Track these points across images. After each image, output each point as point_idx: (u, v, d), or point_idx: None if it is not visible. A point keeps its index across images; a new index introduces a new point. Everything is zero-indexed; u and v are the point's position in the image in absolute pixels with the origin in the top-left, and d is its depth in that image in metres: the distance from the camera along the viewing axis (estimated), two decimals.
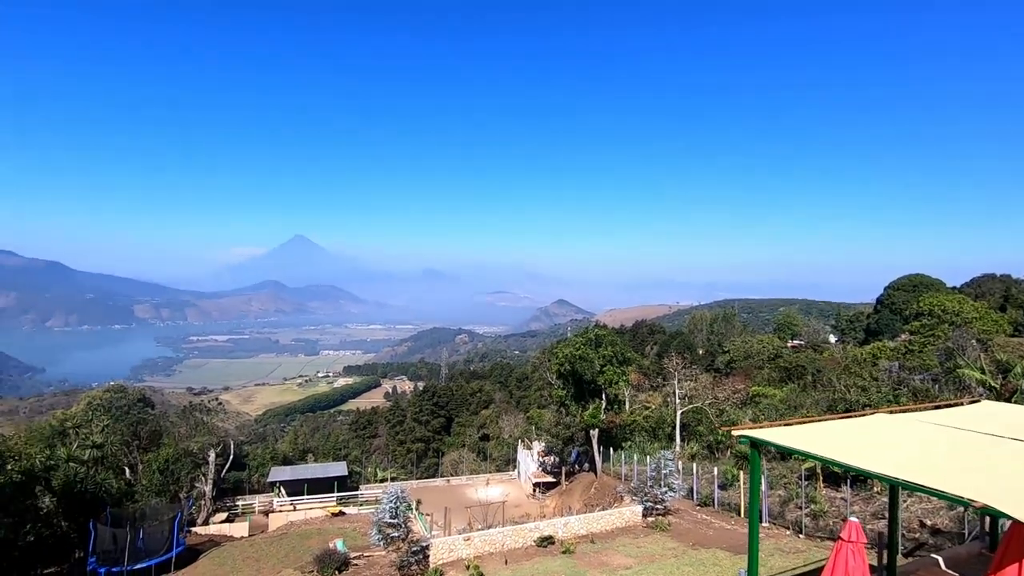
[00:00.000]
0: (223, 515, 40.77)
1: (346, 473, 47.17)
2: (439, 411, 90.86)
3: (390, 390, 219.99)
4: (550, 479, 43.85)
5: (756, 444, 7.93)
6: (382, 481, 54.00)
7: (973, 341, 41.98)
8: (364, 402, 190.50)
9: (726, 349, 77.69)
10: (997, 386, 21.90)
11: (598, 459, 39.37)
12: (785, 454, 26.35)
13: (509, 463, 55.68)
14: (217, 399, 57.82)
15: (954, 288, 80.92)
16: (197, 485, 40.42)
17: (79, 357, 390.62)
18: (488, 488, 43.98)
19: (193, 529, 36.66)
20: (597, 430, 38.79)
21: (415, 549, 22.03)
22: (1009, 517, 5.02)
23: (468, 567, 20.50)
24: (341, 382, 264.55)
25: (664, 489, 26.50)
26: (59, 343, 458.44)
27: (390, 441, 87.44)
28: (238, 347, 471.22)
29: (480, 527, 25.03)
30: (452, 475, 55.01)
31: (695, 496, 29.24)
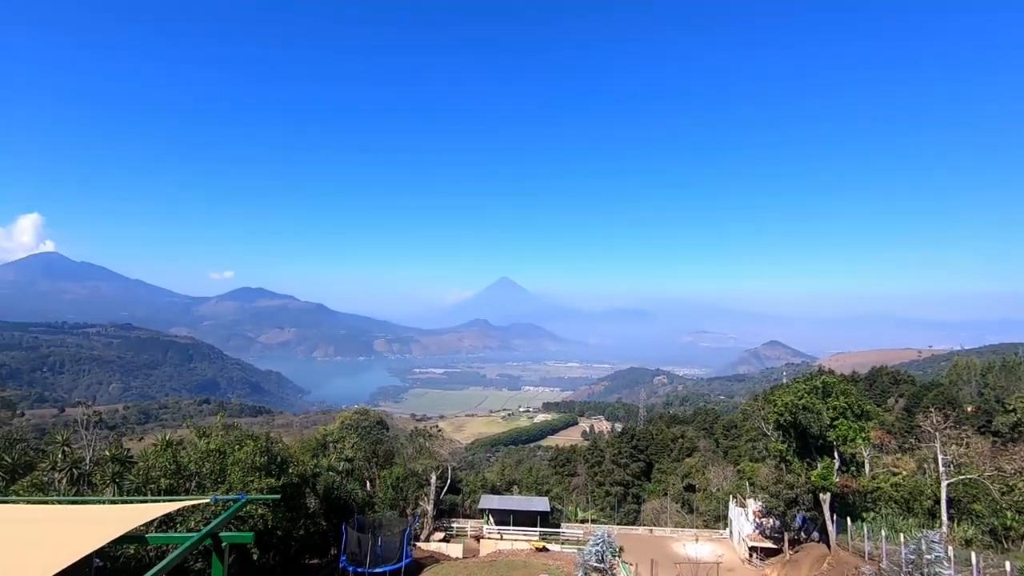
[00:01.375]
0: (441, 534, 44.62)
1: (548, 509, 48.08)
2: (638, 455, 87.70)
3: (587, 429, 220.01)
4: (770, 545, 38.84)
5: None
6: (582, 522, 53.73)
7: None
8: (562, 439, 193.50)
9: (1011, 407, 61.05)
10: None
11: (831, 529, 33.72)
12: None
13: (719, 520, 50.96)
14: (436, 426, 64.32)
15: None
16: (421, 504, 45.09)
17: (334, 383, 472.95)
18: (697, 545, 40.67)
19: (417, 544, 40.82)
20: (829, 494, 33.41)
21: None
22: None
23: None
24: (540, 418, 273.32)
25: None
26: (321, 370, 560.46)
27: (589, 481, 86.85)
28: (451, 379, 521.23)
29: None
30: (654, 525, 52.28)
31: None
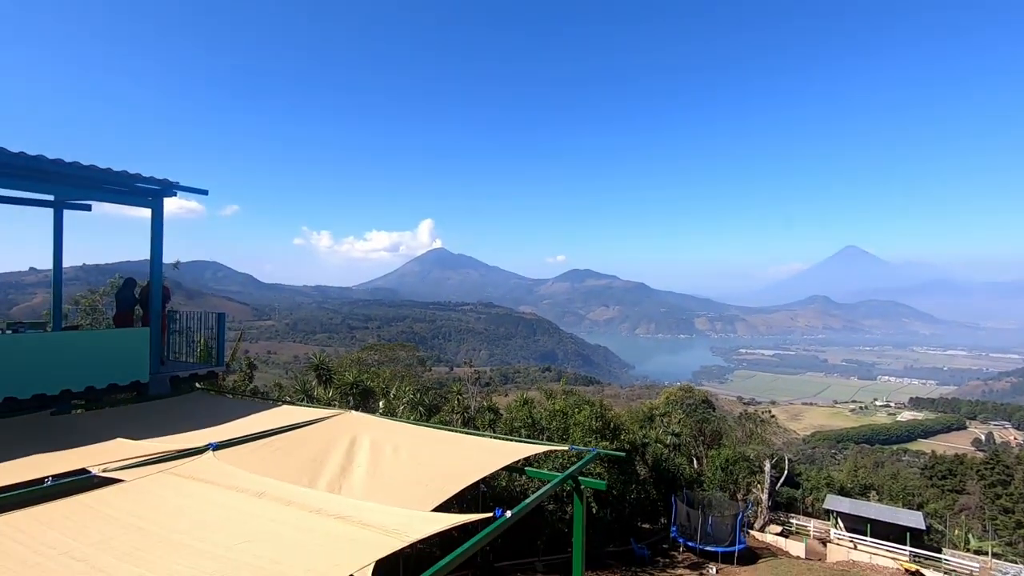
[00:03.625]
0: (777, 528, 41.20)
1: (923, 527, 39.12)
2: None
3: (982, 437, 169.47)
4: None
5: None
6: (977, 552, 41.84)
7: None
8: (940, 444, 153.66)
9: None
10: None
11: None
12: None
13: None
14: (769, 412, 59.38)
15: None
16: (753, 491, 42.49)
17: (656, 359, 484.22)
18: None
19: (750, 531, 38.71)
20: None
21: None
22: None
23: None
24: (906, 415, 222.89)
25: None
26: (642, 346, 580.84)
27: (987, 504, 66.87)
28: (783, 362, 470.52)
29: None
30: None
31: None
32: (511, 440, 9.02)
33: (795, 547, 37.63)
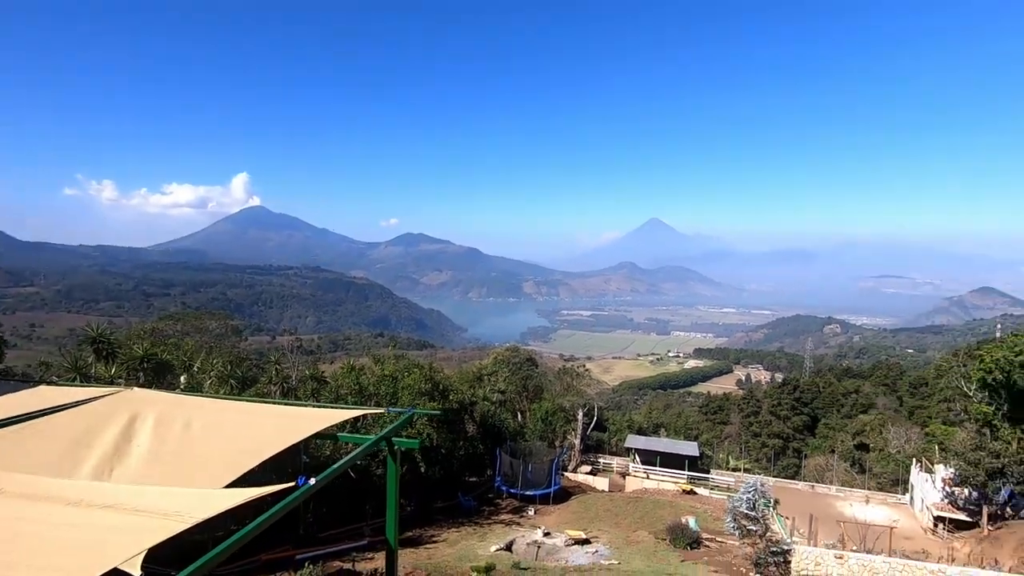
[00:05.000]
0: (588, 468, 46.45)
1: (697, 454, 47.26)
2: (801, 408, 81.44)
3: (743, 378, 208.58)
4: (962, 517, 34.11)
5: None
6: (734, 470, 52.01)
7: None
8: (714, 386, 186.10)
9: None
10: None
11: None
12: None
13: (896, 484, 45.90)
14: (584, 366, 65.75)
15: None
16: (568, 437, 47.12)
17: (487, 321, 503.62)
18: (867, 507, 37.28)
19: (565, 473, 43.05)
20: None
21: (774, 550, 20.58)
22: None
23: None
24: (691, 363, 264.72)
25: None
26: (475, 310, 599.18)
27: (743, 431, 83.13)
28: (598, 322, 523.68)
29: (855, 548, 21.57)
30: (816, 482, 48.72)
31: None
32: (327, 407, 8.68)
33: (601, 482, 42.83)
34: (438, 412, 15.40)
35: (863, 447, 59.84)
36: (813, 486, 45.60)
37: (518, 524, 30.74)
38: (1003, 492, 34.24)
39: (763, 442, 77.58)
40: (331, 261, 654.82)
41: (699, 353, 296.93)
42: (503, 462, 35.93)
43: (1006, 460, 31.52)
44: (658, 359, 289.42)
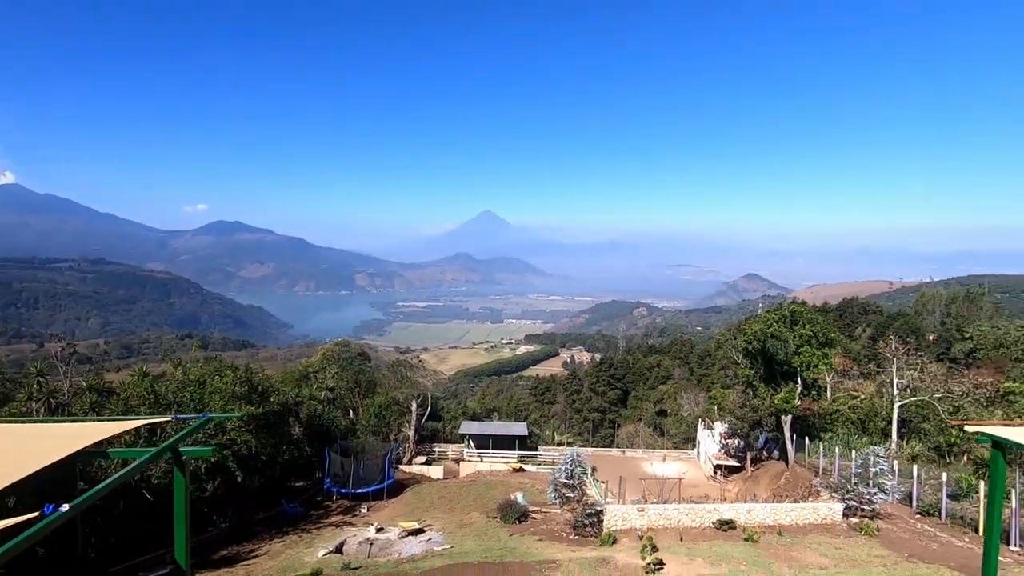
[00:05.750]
0: (423, 458, 46.56)
1: (526, 433, 50.17)
2: (615, 383, 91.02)
3: (568, 359, 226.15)
4: (733, 463, 41.36)
5: (1000, 445, 6.52)
6: (559, 444, 56.32)
7: None
8: (543, 369, 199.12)
9: (968, 335, 64.09)
10: None
11: (790, 448, 35.92)
12: None
13: (687, 442, 53.78)
14: (418, 358, 65.56)
15: None
16: (403, 430, 46.68)
17: (317, 317, 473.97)
18: (664, 464, 43.15)
19: (399, 466, 42.61)
20: (790, 416, 35.32)
21: (589, 512, 22.74)
22: None
23: (641, 537, 20.53)
24: (523, 349, 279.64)
25: (873, 490, 23.27)
26: (303, 305, 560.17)
27: (567, 408, 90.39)
28: (434, 313, 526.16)
29: (655, 501, 24.80)
30: (627, 447, 55.03)
31: (914, 503, 25.14)
32: (93, 421, 7.35)
33: (436, 471, 43.25)
34: (240, 416, 13.91)
35: (663, 413, 68.98)
36: (624, 451, 51.37)
37: (350, 524, 29.66)
38: (761, 439, 42.18)
39: (584, 416, 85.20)
40: (120, 252, 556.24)
41: (530, 339, 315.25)
42: (333, 462, 34.30)
43: (762, 413, 38.80)
44: (492, 347, 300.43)
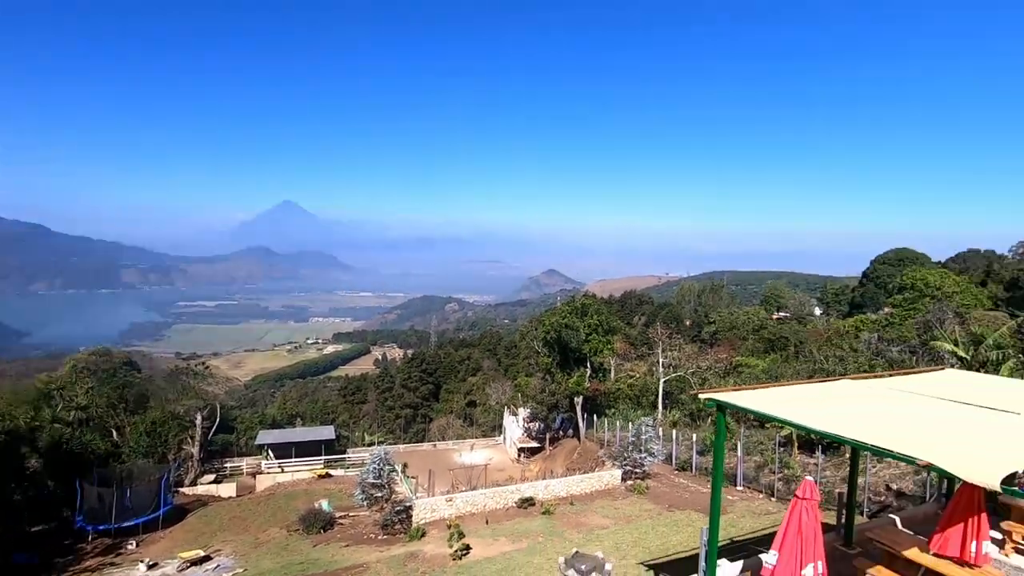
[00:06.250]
0: (211, 476, 41.29)
1: (333, 437, 47.79)
2: (427, 378, 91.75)
3: (379, 357, 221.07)
4: (535, 444, 44.71)
5: (722, 407, 8.10)
6: (370, 445, 54.76)
7: (951, 314, 42.77)
8: (353, 369, 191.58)
9: (712, 320, 78.62)
10: (968, 357, 22.44)
11: (582, 426, 40.12)
12: (763, 421, 27.02)
13: (495, 429, 56.59)
14: (204, 364, 57.87)
15: (938, 263, 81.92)
16: (184, 447, 40.79)
17: (66, 321, 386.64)
18: (473, 453, 44.81)
19: (181, 489, 37.15)
20: (581, 397, 39.42)
21: (398, 509, 22.55)
22: (949, 475, 5.21)
23: (449, 526, 21.04)
24: (331, 349, 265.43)
25: (644, 454, 27.14)
26: (45, 307, 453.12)
27: (379, 407, 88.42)
28: (226, 313, 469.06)
29: (463, 489, 25.60)
30: (439, 440, 55.89)
31: (674, 461, 30.01)
32: None
33: (228, 489, 38.69)
34: None
35: (472, 404, 71.61)
36: (435, 445, 52.04)
37: (113, 565, 24.99)
38: (558, 420, 46.34)
39: (397, 414, 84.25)
40: None
41: (338, 338, 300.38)
42: (88, 495, 28.47)
43: (559, 396, 42.68)
44: (296, 347, 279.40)
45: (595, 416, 40.98)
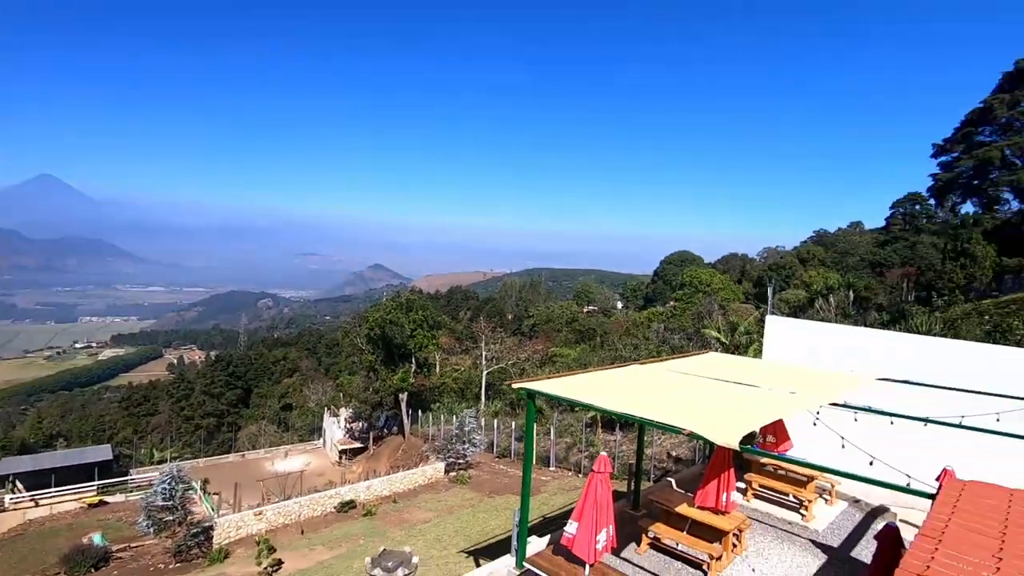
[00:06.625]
0: None
1: (111, 457, 40.54)
2: (235, 382, 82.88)
3: (175, 361, 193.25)
4: (358, 445, 43.16)
5: (532, 395, 8.68)
6: (160, 463, 47.51)
7: (716, 307, 51.50)
8: (141, 375, 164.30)
9: (531, 314, 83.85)
10: (727, 341, 27.31)
11: (407, 422, 39.82)
12: (572, 406, 29.63)
13: (315, 432, 53.38)
14: None
15: (710, 264, 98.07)
16: None
17: None
18: (288, 460, 41.69)
19: None
20: (406, 393, 39.11)
21: (195, 531, 20.02)
22: (704, 439, 6.27)
23: (258, 542, 19.28)
24: (109, 353, 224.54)
25: (467, 445, 27.92)
26: None
27: (174, 418, 77.21)
28: None
29: (276, 500, 23.68)
30: (249, 450, 50.81)
31: (495, 449, 31.39)
32: None
33: None
34: None
35: (288, 407, 66.52)
36: (244, 455, 47.23)
37: None
38: (382, 418, 45.38)
39: (196, 424, 74.55)
40: None
41: (119, 340, 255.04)
42: None
43: (383, 394, 41.78)
44: (60, 353, 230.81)
45: (420, 412, 40.98)
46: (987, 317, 32.47)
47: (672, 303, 74.91)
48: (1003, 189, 57.25)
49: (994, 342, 17.23)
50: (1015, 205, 55.44)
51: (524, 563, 8.49)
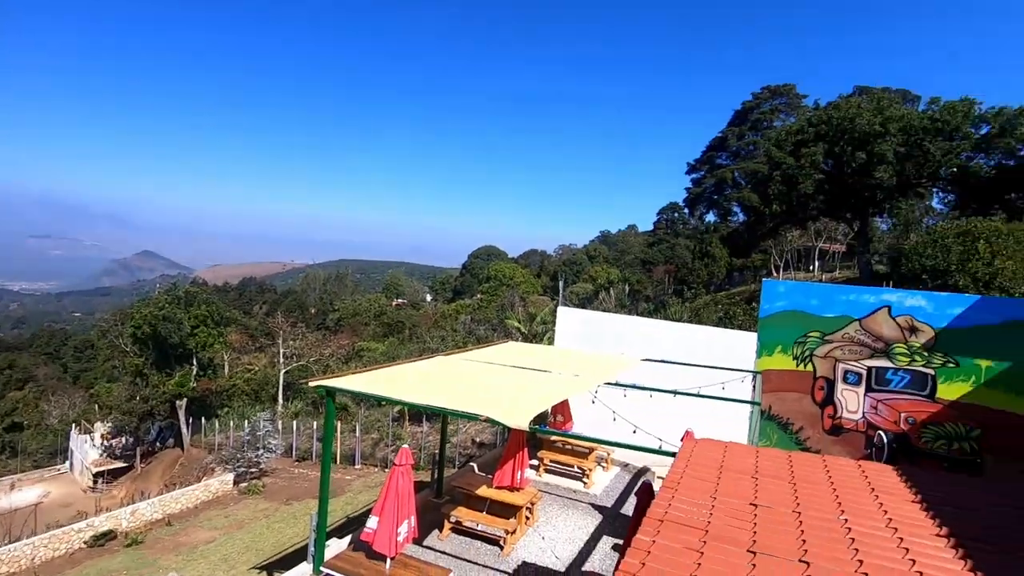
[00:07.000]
0: None
1: None
2: None
3: None
4: (120, 465, 36.49)
5: (331, 392, 8.30)
6: None
7: (518, 299, 55.10)
8: None
9: (336, 307, 79.91)
10: (526, 331, 29.46)
11: (186, 432, 34.92)
12: (378, 401, 29.07)
13: (57, 455, 43.68)
14: None
15: (513, 258, 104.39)
16: None
17: None
18: (15, 493, 33.44)
19: None
20: (185, 400, 34.27)
21: None
22: (499, 423, 6.70)
23: None
24: None
25: (260, 451, 25.58)
26: None
27: None
28: None
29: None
30: None
31: (294, 453, 29.30)
32: None
33: None
34: None
35: (18, 427, 53.31)
36: None
37: None
38: (154, 430, 39.08)
39: None
40: None
41: None
42: None
43: (155, 402, 35.93)
44: None
45: (205, 419, 36.22)
46: (720, 306, 40.34)
47: (479, 296, 78.05)
48: (734, 203, 71.43)
49: (724, 327, 21.50)
50: (742, 217, 69.64)
51: (322, 567, 8.12)
